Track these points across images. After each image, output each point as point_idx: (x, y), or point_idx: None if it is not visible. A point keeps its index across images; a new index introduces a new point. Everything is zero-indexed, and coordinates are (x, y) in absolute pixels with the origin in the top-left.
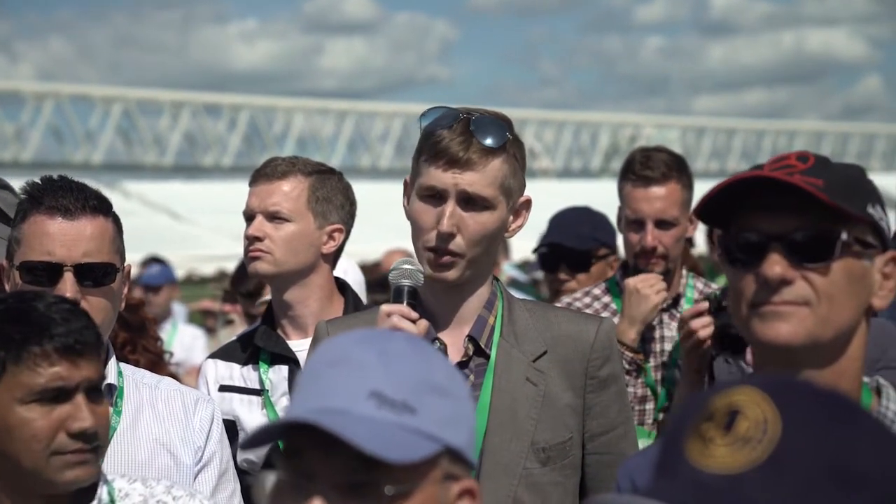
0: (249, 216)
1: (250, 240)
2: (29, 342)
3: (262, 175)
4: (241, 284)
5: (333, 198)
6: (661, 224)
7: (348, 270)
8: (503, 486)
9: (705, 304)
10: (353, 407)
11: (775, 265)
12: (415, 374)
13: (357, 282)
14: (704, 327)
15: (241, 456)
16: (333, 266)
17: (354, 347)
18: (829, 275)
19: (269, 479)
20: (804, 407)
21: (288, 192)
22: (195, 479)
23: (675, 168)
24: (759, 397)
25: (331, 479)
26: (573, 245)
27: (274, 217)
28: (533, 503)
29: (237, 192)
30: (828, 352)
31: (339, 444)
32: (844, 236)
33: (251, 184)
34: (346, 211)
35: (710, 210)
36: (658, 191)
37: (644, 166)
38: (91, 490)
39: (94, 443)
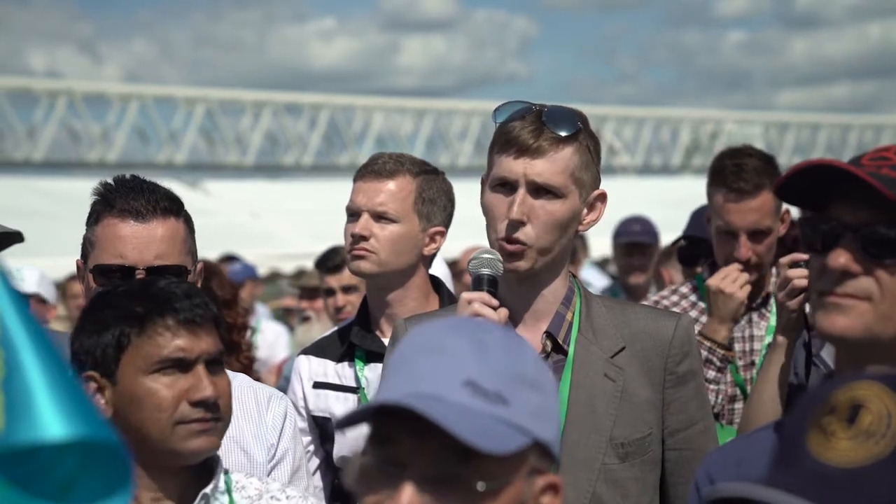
0: (355, 213)
1: (355, 238)
2: (152, 315)
3: (370, 172)
4: (329, 259)
5: (438, 199)
6: (755, 235)
7: (434, 264)
8: (581, 481)
9: (804, 256)
10: (447, 394)
11: (840, 256)
12: (508, 366)
13: (443, 274)
14: (801, 278)
15: (336, 452)
16: (428, 266)
17: (448, 335)
18: None
19: (359, 463)
20: None
21: (395, 193)
22: (268, 476)
23: (767, 174)
24: (882, 391)
25: (422, 469)
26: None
27: (380, 217)
28: (612, 498)
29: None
30: (893, 350)
31: (432, 431)
32: None
33: (357, 179)
34: (448, 213)
35: (798, 194)
36: (752, 203)
37: (736, 177)
38: (209, 475)
39: (216, 413)
